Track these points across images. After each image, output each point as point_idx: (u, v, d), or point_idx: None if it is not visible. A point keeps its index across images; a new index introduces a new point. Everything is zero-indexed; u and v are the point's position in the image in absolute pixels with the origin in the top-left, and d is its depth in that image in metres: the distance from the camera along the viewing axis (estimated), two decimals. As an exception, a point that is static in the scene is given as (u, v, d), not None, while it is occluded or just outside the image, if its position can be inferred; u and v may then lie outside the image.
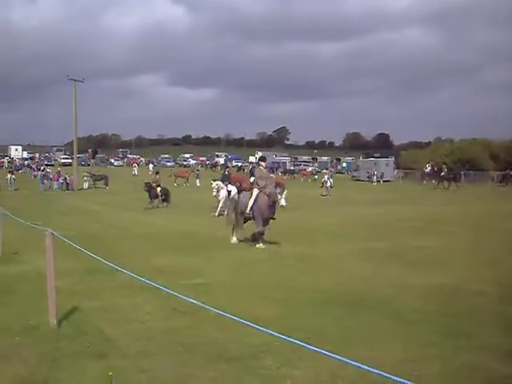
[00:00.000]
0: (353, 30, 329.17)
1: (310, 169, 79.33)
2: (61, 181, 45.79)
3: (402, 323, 7.86)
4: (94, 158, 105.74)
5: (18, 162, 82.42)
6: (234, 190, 24.37)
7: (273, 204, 15.02)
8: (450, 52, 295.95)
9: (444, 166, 54.32)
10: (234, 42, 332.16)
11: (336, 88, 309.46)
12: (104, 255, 8.27)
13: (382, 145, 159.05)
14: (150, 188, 28.28)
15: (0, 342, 6.98)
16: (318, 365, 5.98)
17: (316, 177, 65.55)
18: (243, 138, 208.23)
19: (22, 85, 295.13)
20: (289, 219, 23.55)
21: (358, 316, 8.23)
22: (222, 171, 28.53)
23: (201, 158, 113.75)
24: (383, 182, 61.75)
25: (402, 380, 3.35)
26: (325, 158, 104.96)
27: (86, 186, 46.64)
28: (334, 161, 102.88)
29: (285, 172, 77.24)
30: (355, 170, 74.77)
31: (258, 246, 15.04)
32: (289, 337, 4.60)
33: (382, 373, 3.57)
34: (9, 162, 79.22)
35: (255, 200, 15.12)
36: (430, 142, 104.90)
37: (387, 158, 75.68)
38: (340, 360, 3.97)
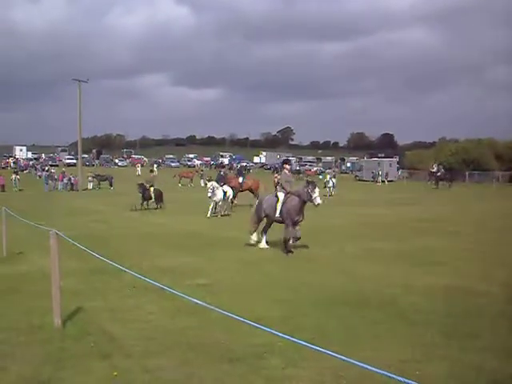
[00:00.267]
0: (356, 29, 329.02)
1: (315, 169, 79.36)
2: (65, 181, 45.89)
3: (407, 323, 7.84)
4: (98, 159, 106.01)
5: (22, 163, 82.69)
6: (229, 190, 24.48)
7: (303, 206, 14.38)
8: (454, 51, 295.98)
9: (440, 166, 54.71)
10: (237, 41, 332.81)
11: (340, 88, 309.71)
12: (108, 255, 8.29)
13: (386, 145, 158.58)
14: (143, 189, 27.71)
15: (4, 342, 6.99)
16: (322, 365, 5.97)
17: (320, 177, 65.59)
18: (247, 138, 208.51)
19: (25, 85, 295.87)
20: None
21: (362, 316, 8.22)
22: (218, 171, 27.95)
23: (205, 159, 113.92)
24: (381, 182, 61.67)
25: (405, 380, 3.34)
26: (329, 158, 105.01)
27: (90, 186, 46.70)
28: (339, 161, 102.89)
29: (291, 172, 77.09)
30: (358, 170, 74.81)
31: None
32: (293, 337, 4.59)
33: (386, 373, 3.56)
34: (13, 163, 79.51)
35: (284, 203, 14.45)
36: (434, 143, 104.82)
37: (391, 158, 75.69)
38: (344, 360, 3.96)
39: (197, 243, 15.73)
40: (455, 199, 37.64)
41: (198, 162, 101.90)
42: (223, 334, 7.17)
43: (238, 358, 6.39)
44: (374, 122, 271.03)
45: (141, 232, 18.66)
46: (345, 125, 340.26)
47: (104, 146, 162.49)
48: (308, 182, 14.68)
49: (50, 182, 45.35)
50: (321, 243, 15.56)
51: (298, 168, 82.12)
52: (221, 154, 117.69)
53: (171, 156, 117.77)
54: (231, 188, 25.26)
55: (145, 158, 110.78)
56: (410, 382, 3.28)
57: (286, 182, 14.95)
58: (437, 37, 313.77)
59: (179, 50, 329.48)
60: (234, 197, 26.44)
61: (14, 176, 44.63)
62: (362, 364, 3.74)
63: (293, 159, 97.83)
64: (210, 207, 23.58)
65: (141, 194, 27.55)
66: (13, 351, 6.64)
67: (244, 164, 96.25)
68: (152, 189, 27.83)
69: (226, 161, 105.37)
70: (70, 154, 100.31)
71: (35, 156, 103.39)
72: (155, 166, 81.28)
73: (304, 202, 14.34)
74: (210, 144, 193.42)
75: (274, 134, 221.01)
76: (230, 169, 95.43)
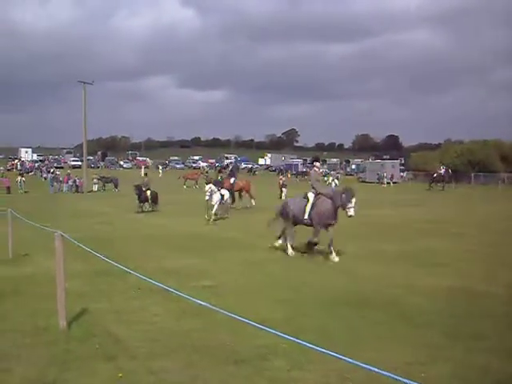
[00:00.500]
0: (362, 30, 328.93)
1: (321, 170, 79.46)
2: (70, 183, 45.99)
3: (411, 325, 7.83)
4: (103, 161, 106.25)
5: (27, 165, 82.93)
6: (226, 193, 24.11)
7: (336, 210, 13.39)
8: (459, 53, 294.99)
9: (436, 168, 54.93)
10: (243, 43, 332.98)
11: (346, 89, 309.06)
12: (113, 257, 8.31)
13: (391, 147, 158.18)
14: (140, 191, 27.23)
15: (10, 344, 7.01)
16: (327, 367, 5.96)
17: (325, 178, 65.61)
18: (252, 140, 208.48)
19: (30, 87, 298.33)
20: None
21: (366, 317, 8.21)
22: (215, 174, 27.59)
23: (210, 160, 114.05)
24: (386, 183, 61.61)
25: (411, 382, 3.32)
26: (334, 160, 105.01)
27: (95, 188, 46.79)
28: (344, 163, 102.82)
29: (297, 174, 77.36)
30: (362, 172, 74.84)
31: (288, 253, 13.95)
32: (297, 338, 4.59)
33: (391, 375, 3.55)
34: (20, 165, 79.80)
35: (314, 205, 13.56)
36: (439, 144, 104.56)
37: (395, 160, 75.67)
38: (350, 362, 3.95)
39: (201, 245, 15.74)
40: (460, 201, 37.53)
41: (204, 164, 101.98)
42: (228, 336, 7.17)
43: (243, 360, 6.40)
44: (379, 123, 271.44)
45: (145, 234, 18.67)
46: (350, 126, 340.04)
47: (109, 148, 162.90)
48: (346, 189, 13.51)
49: (55, 184, 45.44)
50: (323, 244, 15.52)
51: (304, 170, 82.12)
52: (226, 155, 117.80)
53: (176, 158, 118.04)
54: (227, 190, 25.00)
55: (148, 160, 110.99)
56: (414, 383, 3.27)
57: (317, 181, 14.18)
58: (442, 38, 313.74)
59: (184, 52, 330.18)
60: (233, 199, 26.15)
61: (19, 178, 44.77)
62: (367, 366, 3.73)
63: (299, 161, 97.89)
64: (213, 211, 22.77)
65: (137, 196, 27.20)
66: (18, 353, 6.65)
67: (241, 164, 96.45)
68: (148, 192, 27.48)
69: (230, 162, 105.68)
70: (75, 156, 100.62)
71: (40, 158, 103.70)
72: (160, 167, 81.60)
73: (337, 208, 13.36)
74: (215, 146, 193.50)
75: (278, 135, 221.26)
76: (224, 168, 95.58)
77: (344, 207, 13.18)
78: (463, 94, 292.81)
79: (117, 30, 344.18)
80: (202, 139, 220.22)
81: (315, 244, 13.71)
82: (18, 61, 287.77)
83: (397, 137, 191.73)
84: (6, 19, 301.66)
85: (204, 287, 10.13)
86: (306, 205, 13.72)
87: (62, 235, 7.70)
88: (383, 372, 3.62)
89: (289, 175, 73.68)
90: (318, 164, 15.08)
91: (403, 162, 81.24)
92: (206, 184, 24.39)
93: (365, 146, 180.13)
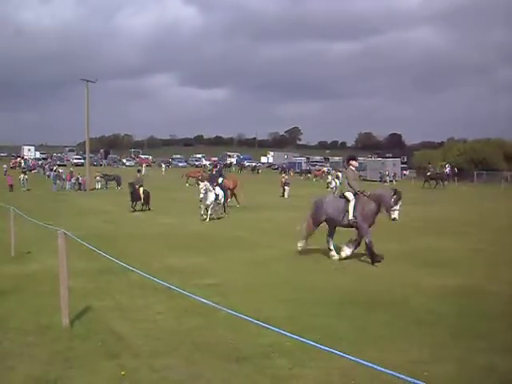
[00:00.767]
0: (365, 29, 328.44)
1: (325, 169, 79.27)
2: (73, 181, 45.99)
3: (416, 324, 7.82)
4: (106, 159, 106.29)
5: (30, 162, 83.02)
6: (221, 193, 23.33)
7: (378, 212, 12.96)
8: (463, 51, 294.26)
9: (430, 165, 54.97)
10: (245, 41, 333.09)
11: (348, 88, 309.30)
12: (116, 255, 8.29)
13: (394, 145, 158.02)
14: (134, 189, 26.60)
15: (13, 341, 7.02)
16: (330, 365, 5.96)
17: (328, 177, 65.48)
18: (255, 138, 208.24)
19: (33, 85, 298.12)
20: (301, 218, 23.53)
21: (370, 316, 8.20)
22: (210, 171, 26.52)
23: (213, 159, 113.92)
24: (389, 181, 61.49)
25: (414, 381, 3.32)
26: (337, 159, 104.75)
27: (98, 186, 46.81)
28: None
29: (301, 172, 77.33)
30: (362, 170, 74.87)
31: (333, 257, 13.25)
32: (301, 337, 4.58)
33: (394, 373, 3.55)
34: (24, 162, 79.92)
35: (357, 205, 12.99)
36: (442, 142, 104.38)
37: (396, 158, 75.64)
38: (352, 360, 3.95)
39: (204, 243, 15.74)
40: (463, 199, 37.48)
41: (207, 162, 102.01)
42: (231, 334, 7.17)
43: (246, 358, 6.40)
44: (382, 121, 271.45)
45: (148, 232, 18.69)
46: (353, 125, 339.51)
47: (112, 146, 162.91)
48: (396, 191, 12.89)
49: (57, 181, 45.47)
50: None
51: (307, 168, 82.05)
52: (228, 153, 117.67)
53: (178, 156, 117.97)
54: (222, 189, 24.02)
55: (150, 158, 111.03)
56: (418, 382, 3.26)
57: (354, 180, 13.58)
58: (446, 36, 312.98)
59: (187, 50, 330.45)
60: (226, 198, 25.19)
61: (22, 176, 44.77)
62: (370, 364, 3.73)
63: (302, 159, 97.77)
64: (207, 211, 22.09)
65: (130, 194, 26.69)
66: (21, 351, 6.66)
67: (244, 162, 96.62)
68: (141, 189, 26.85)
69: (233, 161, 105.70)
70: (77, 154, 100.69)
71: (43, 156, 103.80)
72: (163, 165, 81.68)
73: (381, 208, 12.90)
74: (218, 144, 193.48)
75: (281, 133, 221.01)
76: (227, 166, 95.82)
77: (389, 209, 12.74)
78: (467, 92, 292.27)
79: (119, 28, 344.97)
80: (204, 137, 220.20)
81: (371, 246, 12.73)
82: (21, 60, 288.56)
83: (400, 135, 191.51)
84: (8, 19, 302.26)
85: (207, 286, 10.14)
86: (344, 205, 13.15)
87: (65, 233, 7.71)
88: (386, 370, 3.62)
89: (291, 173, 73.65)
90: (354, 163, 14.20)
91: (406, 160, 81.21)
92: (201, 181, 23.55)
93: (368, 145, 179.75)
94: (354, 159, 14.43)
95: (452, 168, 57.33)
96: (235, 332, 7.18)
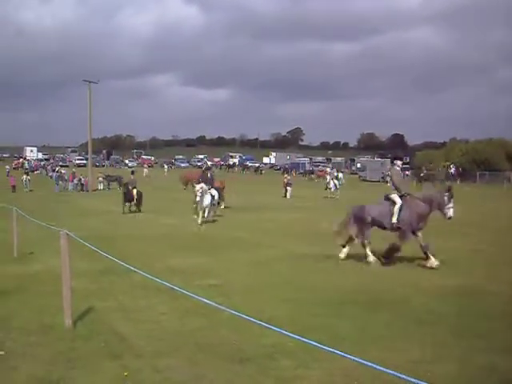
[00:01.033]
0: (366, 29, 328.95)
1: (329, 169, 79.48)
2: (75, 182, 46.05)
3: (417, 324, 7.82)
4: (108, 159, 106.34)
5: (33, 163, 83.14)
6: (216, 194, 22.80)
7: (429, 213, 12.57)
8: (464, 51, 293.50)
9: (423, 167, 55.22)
10: (247, 41, 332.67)
11: (349, 88, 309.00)
12: (118, 256, 8.30)
13: (396, 145, 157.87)
14: (127, 190, 26.25)
15: (16, 342, 7.03)
16: (333, 365, 5.96)
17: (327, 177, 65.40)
18: (257, 138, 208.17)
19: (35, 86, 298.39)
20: (303, 219, 23.55)
21: (372, 316, 8.20)
22: (204, 172, 25.24)
23: (215, 159, 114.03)
24: None
25: (417, 381, 3.32)
26: (339, 159, 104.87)
27: (101, 186, 46.84)
28: (348, 161, 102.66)
29: (305, 173, 77.31)
30: (362, 171, 74.98)
31: (369, 261, 12.71)
32: (303, 337, 4.59)
33: (397, 373, 3.55)
34: (27, 163, 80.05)
35: (403, 207, 12.49)
36: (445, 143, 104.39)
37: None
38: (356, 361, 3.95)
39: (205, 244, 15.75)
40: (465, 200, 37.37)
41: (208, 163, 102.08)
42: (234, 335, 7.17)
43: (249, 359, 6.40)
44: (384, 122, 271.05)
45: (150, 232, 18.71)
46: (354, 125, 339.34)
47: (114, 146, 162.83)
48: (447, 190, 12.64)
49: (60, 182, 45.53)
50: (329, 242, 15.51)
51: (311, 168, 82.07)
52: (231, 154, 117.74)
53: (181, 156, 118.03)
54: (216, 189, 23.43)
55: (152, 158, 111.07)
56: (420, 382, 3.26)
57: (400, 181, 13.12)
58: (446, 36, 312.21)
59: (188, 50, 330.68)
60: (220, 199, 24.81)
61: (24, 177, 44.88)
62: (372, 364, 3.73)
63: (306, 160, 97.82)
64: (203, 214, 21.16)
65: (123, 195, 26.30)
66: (24, 351, 6.67)
67: (247, 163, 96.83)
68: (135, 190, 26.46)
69: (236, 161, 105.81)
70: (80, 155, 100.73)
71: (46, 156, 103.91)
72: (166, 166, 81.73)
73: (433, 209, 12.54)
74: (220, 144, 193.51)
75: (283, 134, 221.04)
76: (230, 166, 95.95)
77: (443, 209, 12.49)
78: (467, 92, 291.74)
79: (120, 28, 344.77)
80: (206, 138, 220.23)
81: (398, 250, 12.60)
82: (22, 60, 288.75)
83: (402, 135, 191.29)
84: (8, 19, 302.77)
85: (210, 286, 10.14)
86: (390, 208, 12.73)
87: (68, 234, 7.72)
88: (388, 370, 3.62)
89: (294, 174, 73.66)
90: (399, 163, 13.71)
91: (408, 160, 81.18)
92: (197, 183, 22.66)
93: (370, 145, 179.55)
94: (399, 159, 13.96)
95: (457, 168, 57.31)
96: (238, 333, 7.17)
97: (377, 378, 5.46)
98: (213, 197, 22.09)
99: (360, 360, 3.85)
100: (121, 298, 9.37)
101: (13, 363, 6.26)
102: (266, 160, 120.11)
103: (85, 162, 76.65)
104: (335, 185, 39.58)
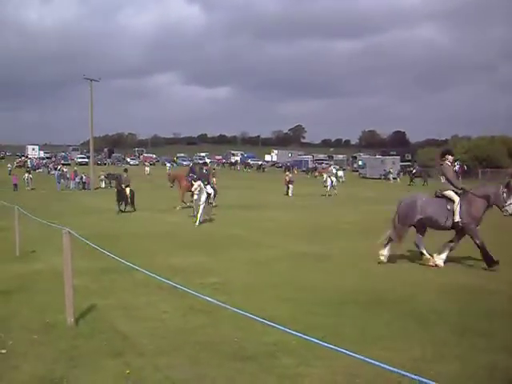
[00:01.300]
0: (367, 27, 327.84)
1: (331, 167, 79.55)
2: (77, 180, 46.11)
3: (420, 322, 7.80)
4: (110, 158, 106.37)
5: (35, 162, 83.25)
6: (212, 193, 22.57)
7: (486, 209, 12.02)
8: (465, 49, 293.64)
9: (415, 163, 55.35)
10: (248, 40, 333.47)
11: (351, 86, 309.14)
12: (120, 254, 8.29)
13: (398, 143, 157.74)
14: (120, 189, 25.88)
15: (18, 340, 7.03)
16: (335, 363, 5.95)
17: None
18: (259, 136, 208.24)
19: (37, 85, 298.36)
20: (304, 217, 23.54)
21: (374, 315, 8.19)
22: (198, 169, 25.19)
23: (217, 157, 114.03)
24: (393, 179, 61.33)
25: (420, 378, 3.30)
26: (341, 156, 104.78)
27: (103, 185, 46.88)
28: (350, 159, 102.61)
29: (307, 170, 77.31)
30: (362, 168, 74.95)
31: (436, 262, 12.19)
32: (305, 335, 4.57)
33: (400, 371, 3.53)
34: (30, 161, 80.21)
35: (462, 204, 11.93)
36: (447, 140, 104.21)
37: (396, 156, 75.69)
38: (358, 359, 3.93)
39: (206, 242, 15.74)
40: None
41: (207, 160, 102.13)
42: (235, 333, 7.16)
43: (250, 357, 6.39)
44: (386, 119, 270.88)
45: (151, 231, 18.72)
46: (356, 123, 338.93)
47: (115, 144, 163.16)
48: (508, 184, 11.83)
49: (62, 180, 45.58)
50: (330, 241, 15.53)
51: (314, 166, 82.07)
52: (232, 152, 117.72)
53: (182, 155, 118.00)
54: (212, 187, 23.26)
55: (154, 156, 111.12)
56: (424, 380, 3.24)
57: (453, 178, 12.46)
58: (448, 34, 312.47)
59: (190, 49, 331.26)
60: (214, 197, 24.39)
61: (26, 175, 45.00)
62: (375, 362, 3.71)
63: (308, 157, 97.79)
64: (200, 212, 20.78)
65: (116, 193, 25.94)
66: (25, 349, 6.67)
67: (248, 161, 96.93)
68: (128, 189, 26.06)
69: (238, 159, 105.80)
70: (81, 153, 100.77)
71: (47, 155, 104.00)
72: (168, 164, 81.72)
73: (491, 205, 11.97)
74: (222, 142, 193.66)
75: (285, 132, 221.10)
76: (233, 164, 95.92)
77: (502, 205, 11.86)
78: (469, 89, 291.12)
79: (121, 27, 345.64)
80: (208, 136, 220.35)
81: (484, 247, 11.87)
82: (23, 60, 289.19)
83: (403, 133, 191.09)
84: (9, 19, 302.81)
85: (211, 284, 10.13)
86: (447, 205, 12.09)
87: (70, 232, 7.72)
88: (390, 368, 3.60)
89: (295, 171, 73.62)
90: (450, 158, 12.95)
91: (410, 157, 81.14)
92: (194, 181, 22.29)
93: (372, 142, 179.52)
94: (449, 153, 13.11)
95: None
96: (240, 330, 7.17)
97: (379, 376, 5.45)
98: (209, 195, 21.74)
99: (362, 357, 3.84)
100: (122, 296, 9.37)
101: (14, 362, 6.26)
102: (267, 158, 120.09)
103: (86, 160, 76.76)
104: (332, 182, 39.29)
